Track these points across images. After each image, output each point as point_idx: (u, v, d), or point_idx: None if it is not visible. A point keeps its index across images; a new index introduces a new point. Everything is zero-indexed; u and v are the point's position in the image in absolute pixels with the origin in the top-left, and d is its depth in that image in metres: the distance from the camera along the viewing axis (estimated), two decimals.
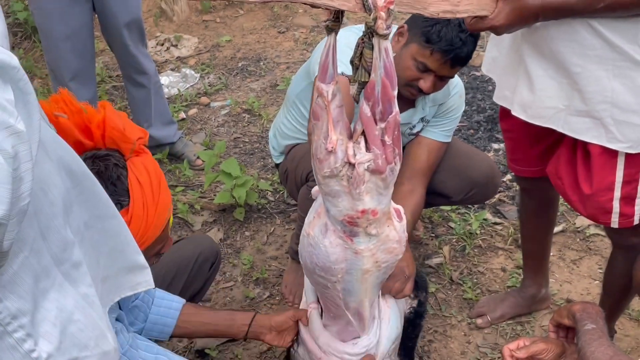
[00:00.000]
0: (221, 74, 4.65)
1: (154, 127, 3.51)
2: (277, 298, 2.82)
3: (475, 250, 3.04)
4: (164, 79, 4.44)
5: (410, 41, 2.22)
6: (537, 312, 2.69)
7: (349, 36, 2.02)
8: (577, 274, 2.89)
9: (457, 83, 2.53)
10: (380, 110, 1.49)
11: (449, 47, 2.14)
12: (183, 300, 1.98)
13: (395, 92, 1.49)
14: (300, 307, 2.13)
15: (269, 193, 3.42)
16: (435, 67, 2.20)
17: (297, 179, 2.59)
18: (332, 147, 1.52)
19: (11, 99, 0.84)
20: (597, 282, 2.81)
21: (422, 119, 2.50)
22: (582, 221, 3.15)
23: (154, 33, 5.13)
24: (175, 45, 4.99)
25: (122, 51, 3.34)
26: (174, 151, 3.68)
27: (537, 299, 2.67)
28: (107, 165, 1.51)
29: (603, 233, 3.06)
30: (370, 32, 1.41)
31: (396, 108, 1.51)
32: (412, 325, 2.12)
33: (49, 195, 0.99)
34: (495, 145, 3.75)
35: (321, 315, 2.00)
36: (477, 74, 4.37)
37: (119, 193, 1.51)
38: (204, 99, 4.33)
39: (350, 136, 1.58)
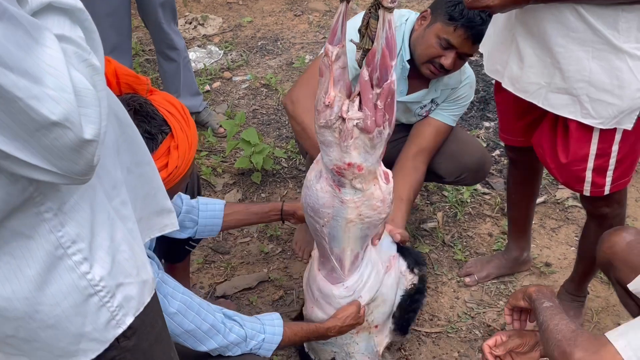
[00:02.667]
0: (242, 51, 4.60)
1: (182, 97, 3.48)
2: (289, 253, 2.82)
3: (466, 216, 3.04)
4: (191, 54, 4.40)
5: (434, 21, 2.19)
6: (519, 273, 2.70)
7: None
8: (556, 240, 2.89)
9: (469, 74, 2.49)
10: (377, 76, 1.51)
11: (471, 23, 2.11)
12: (223, 202, 2.08)
13: (394, 63, 1.49)
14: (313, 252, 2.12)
15: (283, 160, 3.41)
16: (457, 43, 2.16)
17: None
18: (329, 102, 1.55)
19: (82, 36, 0.87)
20: (573, 248, 2.81)
21: (432, 100, 2.45)
22: (562, 193, 3.13)
23: (183, 13, 5.06)
24: (202, 24, 4.93)
25: (156, 28, 3.30)
26: (200, 120, 3.66)
27: (520, 262, 2.67)
28: (140, 104, 1.50)
29: (580, 205, 3.05)
30: (377, 4, 1.41)
31: (392, 77, 1.51)
32: (411, 300, 2.12)
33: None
34: (486, 124, 3.71)
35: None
36: (472, 58, 4.31)
37: (159, 123, 1.50)
38: (227, 74, 4.29)
39: (349, 95, 1.59)
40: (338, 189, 1.69)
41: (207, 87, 4.13)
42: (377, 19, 1.43)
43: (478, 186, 3.19)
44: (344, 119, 1.56)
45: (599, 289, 2.59)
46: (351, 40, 1.53)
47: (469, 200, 3.11)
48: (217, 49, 4.58)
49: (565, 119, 1.91)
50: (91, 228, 0.99)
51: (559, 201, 3.10)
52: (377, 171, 1.70)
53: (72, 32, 0.85)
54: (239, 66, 4.40)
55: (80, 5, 0.88)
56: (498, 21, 1.98)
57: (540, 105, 1.92)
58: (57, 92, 0.78)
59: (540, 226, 2.96)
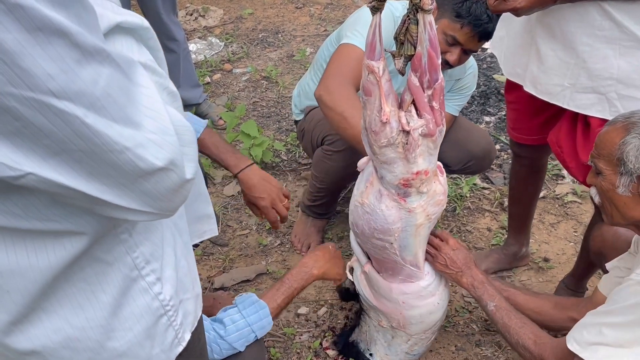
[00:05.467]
0: (243, 43, 4.58)
1: (182, 89, 3.46)
2: (287, 246, 2.81)
3: (465, 211, 3.03)
4: (191, 46, 4.38)
5: (440, 17, 2.17)
6: (517, 268, 2.68)
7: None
8: (555, 236, 2.88)
9: (472, 64, 2.48)
10: (428, 79, 1.48)
11: (478, 21, 2.10)
12: (205, 122, 2.03)
13: (440, 61, 1.47)
14: (351, 269, 2.12)
15: (283, 153, 3.39)
16: (463, 41, 2.16)
17: (313, 140, 2.55)
18: (386, 119, 1.51)
19: (152, 58, 0.82)
20: (572, 243, 2.80)
21: None
22: (561, 189, 3.12)
23: (184, 4, 5.05)
24: (203, 16, 4.91)
25: (156, 19, 3.28)
26: (199, 112, 3.64)
27: (518, 257, 2.66)
28: None
29: (580, 200, 3.04)
30: (415, 9, 1.38)
31: (441, 75, 1.49)
32: None
33: None
34: (487, 118, 3.70)
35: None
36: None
37: None
38: (227, 66, 4.28)
39: (400, 107, 1.55)
40: (403, 200, 1.66)
41: (208, 79, 4.11)
42: (417, 24, 1.40)
43: (477, 181, 3.18)
44: (405, 132, 1.52)
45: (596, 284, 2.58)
46: (386, 50, 1.49)
47: (468, 195, 3.10)
48: (218, 41, 4.56)
49: (586, 116, 1.89)
50: (162, 246, 0.94)
51: (558, 196, 3.09)
52: (436, 168, 1.71)
53: (141, 55, 0.80)
54: (239, 58, 4.38)
55: (146, 23, 0.83)
56: (513, 23, 1.96)
57: (565, 106, 1.89)
58: (159, 136, 0.72)
59: (539, 221, 2.94)
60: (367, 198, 1.71)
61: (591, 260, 2.25)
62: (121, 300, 0.89)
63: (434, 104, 1.50)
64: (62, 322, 0.86)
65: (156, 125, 0.72)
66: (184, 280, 1.00)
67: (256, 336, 1.73)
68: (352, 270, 2.11)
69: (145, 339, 0.94)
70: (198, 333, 1.09)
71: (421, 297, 1.93)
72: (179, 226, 1.01)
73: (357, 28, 2.22)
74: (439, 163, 1.75)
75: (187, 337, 1.02)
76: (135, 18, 0.82)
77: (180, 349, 1.01)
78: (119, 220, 0.84)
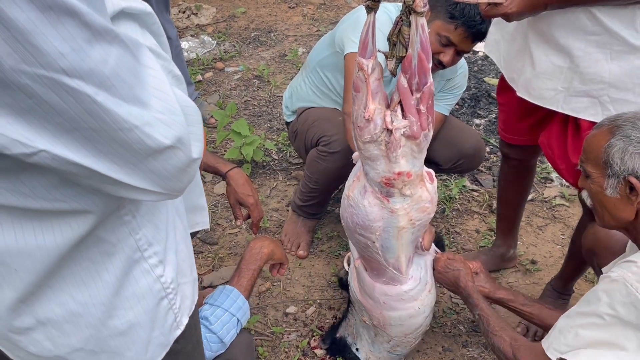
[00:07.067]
0: (235, 42, 4.57)
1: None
2: None
3: (454, 212, 3.04)
4: (184, 44, 4.37)
5: (434, 18, 2.19)
6: (505, 270, 2.70)
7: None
8: (542, 238, 2.90)
9: (463, 64, 2.51)
10: (417, 81, 1.49)
11: (472, 22, 2.13)
12: None
13: (430, 64, 1.48)
14: (349, 259, 2.14)
15: (274, 152, 3.40)
16: (457, 41, 2.18)
17: (307, 141, 2.56)
18: (369, 116, 1.52)
19: (156, 42, 0.84)
20: (559, 246, 2.82)
21: None
22: (549, 192, 3.14)
23: (177, 1, 5.03)
24: (196, 14, 4.90)
25: None
26: None
27: (506, 258, 2.67)
28: None
29: (567, 203, 3.06)
30: (408, 11, 1.39)
31: (431, 79, 1.50)
32: None
33: None
34: (477, 121, 3.71)
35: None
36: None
37: None
38: (219, 64, 4.27)
39: (388, 106, 1.57)
40: (386, 199, 1.67)
41: (199, 77, 4.10)
42: (409, 26, 1.41)
43: (467, 183, 3.19)
44: (389, 131, 1.53)
45: (583, 287, 2.60)
46: (379, 51, 1.51)
47: (457, 197, 3.11)
48: (210, 39, 4.55)
49: (576, 119, 1.90)
50: (166, 230, 0.96)
51: (546, 199, 3.11)
52: (423, 173, 1.70)
53: (145, 40, 0.81)
54: (231, 57, 4.38)
55: (149, 9, 0.84)
56: (507, 27, 1.97)
57: (559, 110, 1.90)
58: (167, 116, 0.74)
59: (527, 224, 2.96)
60: (352, 192, 1.73)
61: (582, 258, 2.27)
62: (123, 280, 0.91)
63: (422, 107, 1.51)
64: (66, 297, 0.88)
65: (163, 105, 0.74)
66: (182, 264, 1.02)
67: (238, 320, 1.74)
68: (349, 261, 2.13)
69: (146, 320, 0.96)
70: (194, 320, 1.10)
71: (402, 301, 1.94)
72: (179, 210, 1.03)
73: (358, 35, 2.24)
74: (431, 171, 1.75)
75: (185, 321, 1.04)
76: (139, 4, 0.83)
77: (178, 332, 1.02)
78: (125, 201, 0.86)
